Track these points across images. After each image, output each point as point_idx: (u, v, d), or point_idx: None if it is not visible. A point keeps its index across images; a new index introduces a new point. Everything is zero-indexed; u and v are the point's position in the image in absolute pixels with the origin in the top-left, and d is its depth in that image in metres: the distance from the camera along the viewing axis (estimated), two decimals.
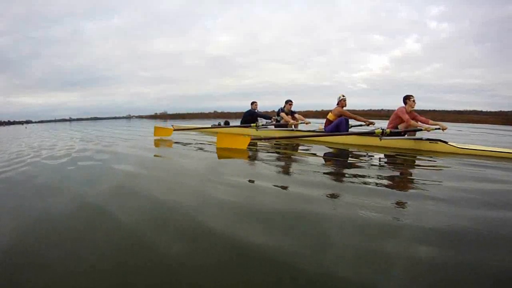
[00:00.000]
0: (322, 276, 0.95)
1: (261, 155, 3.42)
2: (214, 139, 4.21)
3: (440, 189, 1.90)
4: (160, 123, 11.41)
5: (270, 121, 6.05)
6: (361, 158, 3.28)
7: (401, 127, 3.84)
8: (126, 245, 1.19)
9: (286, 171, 2.61)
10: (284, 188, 1.98)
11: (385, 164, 2.93)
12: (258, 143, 4.50)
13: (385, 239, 1.19)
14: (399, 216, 1.44)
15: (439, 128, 3.64)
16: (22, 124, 41.30)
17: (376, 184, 2.06)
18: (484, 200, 1.66)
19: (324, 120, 4.87)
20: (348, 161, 3.22)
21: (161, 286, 0.93)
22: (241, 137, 3.94)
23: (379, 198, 1.70)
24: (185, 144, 4.47)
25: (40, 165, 3.08)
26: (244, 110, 6.34)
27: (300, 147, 4.14)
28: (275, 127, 5.60)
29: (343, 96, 4.66)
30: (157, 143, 4.85)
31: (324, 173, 2.45)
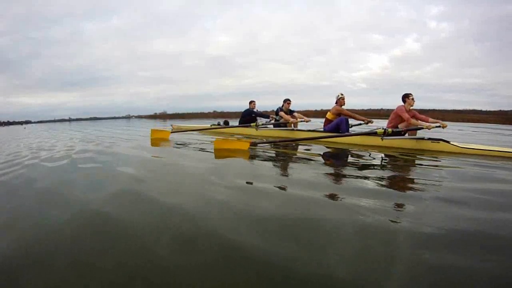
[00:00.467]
0: (321, 278, 0.94)
1: (260, 154, 3.40)
2: (214, 139, 4.18)
3: (442, 189, 1.88)
4: (159, 123, 11.40)
5: (269, 120, 6.04)
6: (362, 158, 3.27)
7: (401, 126, 3.82)
8: (126, 246, 1.18)
9: (286, 171, 2.59)
10: (284, 189, 1.97)
11: (387, 164, 2.91)
12: (257, 142, 4.46)
13: (385, 240, 1.18)
14: (400, 217, 1.43)
15: (439, 126, 3.61)
16: (21, 124, 41.19)
17: (378, 184, 2.04)
18: (488, 200, 1.64)
19: (324, 120, 4.86)
20: (350, 161, 3.21)
21: (161, 287, 0.93)
22: (239, 143, 3.83)
23: (380, 198, 1.68)
24: (185, 144, 4.46)
25: (38, 167, 3.03)
26: (244, 110, 6.33)
27: (300, 147, 4.12)
28: (274, 126, 5.59)
29: (342, 94, 4.64)
30: (157, 143, 4.83)
31: (325, 173, 2.44)
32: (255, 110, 6.27)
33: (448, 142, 3.48)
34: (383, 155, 3.38)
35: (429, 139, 3.61)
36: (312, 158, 3.26)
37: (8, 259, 1.14)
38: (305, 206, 1.59)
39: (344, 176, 2.33)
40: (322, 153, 3.68)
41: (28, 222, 1.50)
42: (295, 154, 3.54)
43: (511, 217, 1.41)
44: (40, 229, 1.40)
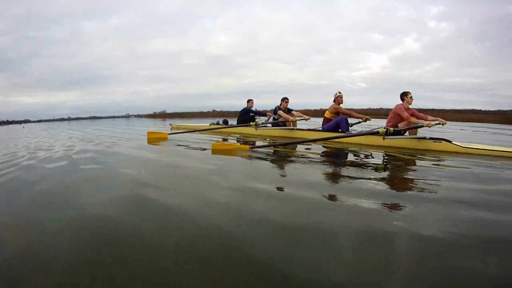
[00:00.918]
0: (321, 278, 0.94)
1: (260, 154, 3.39)
2: (214, 138, 4.17)
3: (444, 190, 1.87)
4: (159, 122, 11.37)
5: (267, 118, 6.04)
6: (364, 158, 3.26)
7: (401, 125, 3.80)
8: (127, 248, 1.17)
9: (286, 172, 2.59)
10: (284, 190, 1.97)
11: (388, 164, 2.90)
12: (256, 141, 4.44)
13: (386, 241, 1.18)
14: (400, 218, 1.43)
15: (439, 123, 3.58)
16: (20, 123, 41.05)
17: (379, 185, 2.04)
18: (492, 201, 1.64)
19: (322, 119, 4.85)
20: (351, 161, 3.20)
21: (161, 287, 0.93)
22: (238, 147, 3.77)
23: (381, 199, 1.68)
24: (185, 144, 4.45)
25: (37, 168, 2.96)
26: (241, 109, 6.32)
27: (300, 146, 4.11)
28: (273, 125, 5.56)
29: (340, 93, 4.62)
30: (157, 143, 4.81)
31: (325, 174, 2.43)
32: (253, 108, 6.27)
33: (450, 141, 3.47)
34: (384, 155, 3.37)
35: (431, 138, 3.60)
36: (312, 158, 3.25)
37: (7, 262, 1.13)
38: (306, 207, 1.59)
39: (345, 176, 2.33)
40: (322, 153, 3.67)
41: (28, 224, 1.49)
42: (295, 154, 3.53)
43: None
44: (40, 232, 1.39)
